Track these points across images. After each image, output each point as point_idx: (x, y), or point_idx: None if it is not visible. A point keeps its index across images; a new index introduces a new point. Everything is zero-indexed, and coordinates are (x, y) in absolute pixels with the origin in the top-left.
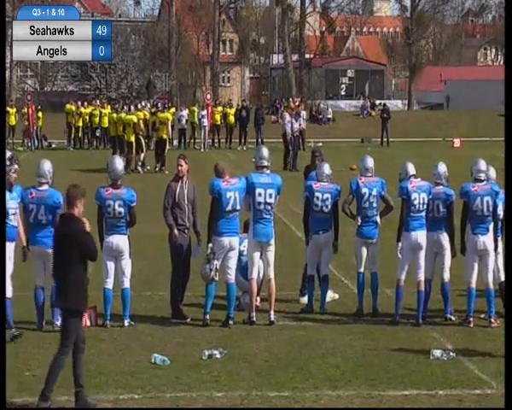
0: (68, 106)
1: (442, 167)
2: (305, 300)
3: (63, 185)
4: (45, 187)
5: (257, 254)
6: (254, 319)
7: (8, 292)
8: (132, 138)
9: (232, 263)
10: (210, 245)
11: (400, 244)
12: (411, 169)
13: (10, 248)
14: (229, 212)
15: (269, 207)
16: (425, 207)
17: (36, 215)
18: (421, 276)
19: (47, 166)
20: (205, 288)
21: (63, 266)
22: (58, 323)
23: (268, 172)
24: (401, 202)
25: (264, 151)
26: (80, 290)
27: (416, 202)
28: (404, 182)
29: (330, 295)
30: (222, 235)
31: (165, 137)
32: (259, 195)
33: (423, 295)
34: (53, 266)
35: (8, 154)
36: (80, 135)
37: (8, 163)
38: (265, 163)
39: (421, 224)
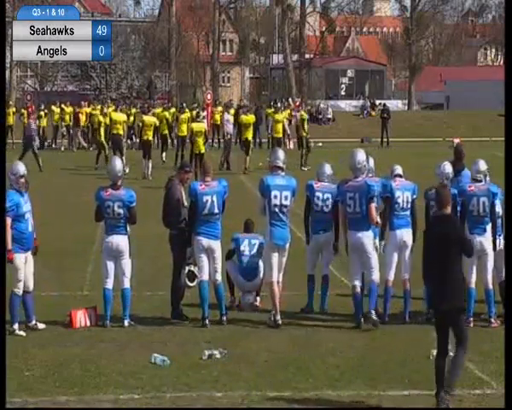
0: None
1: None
2: None
3: (67, 186)
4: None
5: (275, 257)
6: (280, 322)
7: None
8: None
9: (217, 265)
10: (189, 249)
11: (383, 243)
12: (398, 170)
13: None
14: (206, 215)
15: (284, 210)
16: (409, 205)
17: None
18: (407, 275)
19: (21, 168)
20: (198, 293)
21: (442, 268)
22: (39, 325)
23: (283, 173)
24: (384, 201)
25: (280, 153)
26: (462, 287)
27: (399, 200)
28: (388, 180)
29: None
30: (200, 235)
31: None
32: (275, 197)
33: (409, 294)
34: (427, 269)
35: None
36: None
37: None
38: (280, 164)
39: (407, 222)
